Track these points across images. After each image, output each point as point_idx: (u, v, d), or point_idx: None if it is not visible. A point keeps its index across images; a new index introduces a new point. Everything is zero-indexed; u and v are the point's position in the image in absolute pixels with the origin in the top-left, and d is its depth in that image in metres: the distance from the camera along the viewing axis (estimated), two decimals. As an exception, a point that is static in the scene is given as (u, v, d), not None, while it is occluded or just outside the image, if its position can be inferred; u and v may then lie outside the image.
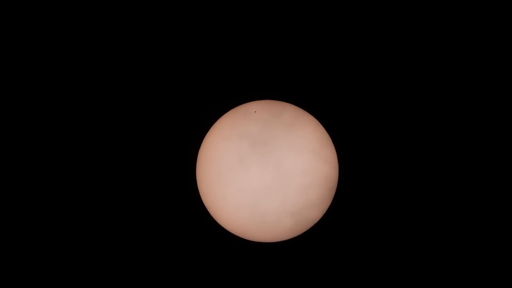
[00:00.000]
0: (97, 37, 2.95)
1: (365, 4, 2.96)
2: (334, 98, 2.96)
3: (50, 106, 2.94)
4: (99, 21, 2.95)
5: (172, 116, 2.95)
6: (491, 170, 2.93)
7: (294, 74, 2.96)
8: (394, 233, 2.93)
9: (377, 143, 2.94)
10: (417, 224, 2.93)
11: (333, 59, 2.96)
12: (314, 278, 2.93)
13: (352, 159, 2.92)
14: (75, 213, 2.92)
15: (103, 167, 2.93)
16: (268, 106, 2.83)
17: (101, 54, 2.95)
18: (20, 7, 2.95)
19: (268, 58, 2.96)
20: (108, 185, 2.92)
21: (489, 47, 2.95)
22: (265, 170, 2.72)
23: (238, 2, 2.97)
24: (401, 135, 2.95)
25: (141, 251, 2.92)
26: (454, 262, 2.92)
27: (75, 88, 2.95)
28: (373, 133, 2.95)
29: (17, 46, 2.95)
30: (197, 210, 2.90)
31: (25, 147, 2.93)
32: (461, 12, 2.95)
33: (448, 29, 2.95)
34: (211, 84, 2.97)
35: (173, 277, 2.93)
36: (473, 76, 2.95)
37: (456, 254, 2.92)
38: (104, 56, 2.95)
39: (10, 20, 2.95)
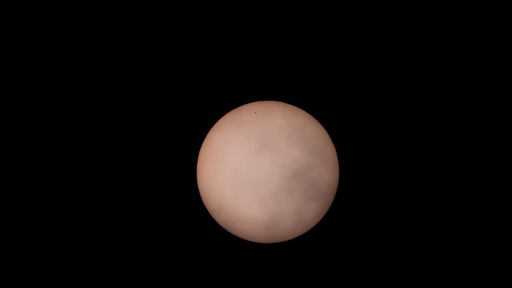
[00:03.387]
0: (101, 40, 2.96)
1: (361, 7, 2.96)
2: (335, 98, 2.96)
3: (52, 107, 2.94)
4: (102, 23, 2.95)
5: (172, 116, 2.95)
6: (490, 172, 2.92)
7: (293, 75, 2.97)
8: (394, 233, 2.93)
9: (376, 144, 2.95)
10: (417, 224, 2.93)
11: (333, 61, 2.97)
12: (314, 278, 2.93)
13: (352, 161, 2.93)
14: (75, 212, 2.92)
15: (104, 167, 2.93)
16: (269, 107, 2.84)
17: (102, 55, 2.96)
18: (20, 7, 2.95)
19: (268, 59, 2.97)
20: (108, 185, 2.92)
21: (488, 47, 2.95)
22: (265, 170, 2.72)
23: (239, 4, 2.97)
24: (401, 136, 2.95)
25: (141, 250, 2.92)
26: (452, 262, 2.93)
27: (83, 91, 2.95)
28: (372, 133, 2.95)
29: (19, 46, 2.95)
30: (197, 210, 2.91)
31: (27, 148, 2.94)
32: (459, 12, 2.95)
33: (446, 29, 2.95)
34: (211, 85, 2.97)
35: (173, 276, 2.93)
36: (471, 77, 2.95)
37: (455, 254, 2.93)
38: (105, 56, 2.96)
39: (10, 20, 2.95)
